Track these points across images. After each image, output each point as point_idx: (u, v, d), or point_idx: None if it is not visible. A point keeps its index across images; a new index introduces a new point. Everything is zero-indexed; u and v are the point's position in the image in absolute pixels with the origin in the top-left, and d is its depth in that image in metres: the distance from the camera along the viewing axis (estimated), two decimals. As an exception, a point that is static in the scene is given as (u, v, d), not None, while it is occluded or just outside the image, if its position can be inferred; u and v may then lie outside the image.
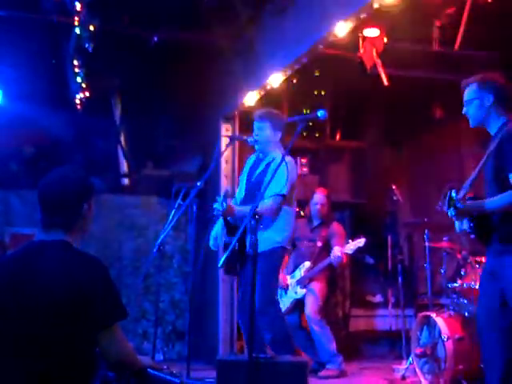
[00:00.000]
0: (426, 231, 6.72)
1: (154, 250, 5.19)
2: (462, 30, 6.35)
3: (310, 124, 8.62)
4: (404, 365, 6.64)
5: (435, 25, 6.66)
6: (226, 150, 6.61)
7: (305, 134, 8.89)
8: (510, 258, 3.96)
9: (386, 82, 7.05)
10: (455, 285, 6.08)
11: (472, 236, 4.16)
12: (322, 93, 9.01)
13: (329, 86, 9.01)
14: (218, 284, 7.73)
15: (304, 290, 6.98)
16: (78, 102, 8.12)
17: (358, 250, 6.80)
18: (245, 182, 5.67)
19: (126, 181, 9.59)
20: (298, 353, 5.75)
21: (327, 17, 5.43)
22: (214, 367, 4.37)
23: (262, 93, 6.99)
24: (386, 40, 6.80)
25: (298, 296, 7.00)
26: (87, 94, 8.01)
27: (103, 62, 7.71)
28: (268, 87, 6.81)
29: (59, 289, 2.75)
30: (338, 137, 9.66)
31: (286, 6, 6.22)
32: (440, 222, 5.55)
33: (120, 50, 7.62)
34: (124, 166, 9.49)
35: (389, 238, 8.13)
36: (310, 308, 6.91)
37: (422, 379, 6.05)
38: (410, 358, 6.42)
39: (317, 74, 8.86)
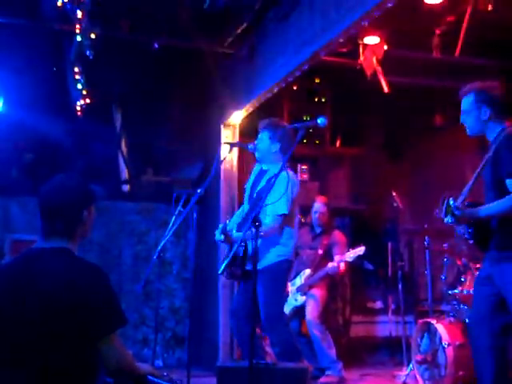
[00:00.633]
0: (426, 238, 6.72)
1: (155, 257, 5.19)
2: (462, 37, 6.37)
3: (310, 131, 8.62)
4: (405, 371, 6.63)
5: (435, 32, 6.67)
6: (226, 156, 6.62)
7: (305, 140, 8.89)
8: (507, 264, 3.98)
9: (386, 89, 7.07)
10: (455, 291, 6.08)
11: (470, 242, 4.17)
12: (323, 100, 9.02)
13: (329, 93, 9.02)
14: (218, 290, 7.73)
15: (304, 297, 6.99)
16: (78, 108, 8.12)
17: (358, 256, 6.82)
18: (249, 193, 5.66)
19: (126, 187, 9.58)
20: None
21: (328, 24, 5.45)
22: (214, 373, 4.37)
23: (263, 99, 7.00)
24: (386, 47, 6.82)
25: (298, 303, 7.00)
26: (88, 100, 8.02)
27: (104, 69, 7.71)
28: (268, 94, 6.82)
29: (59, 296, 2.75)
30: (338, 144, 9.66)
31: (287, 14, 6.24)
32: (440, 228, 5.55)
33: (121, 57, 7.63)
34: (124, 173, 9.49)
35: (389, 245, 8.13)
36: (311, 313, 6.91)
37: (423, 386, 6.05)
38: (411, 365, 6.41)
39: (317, 81, 8.89)
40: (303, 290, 7.00)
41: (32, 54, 7.41)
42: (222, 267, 4.76)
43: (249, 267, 5.10)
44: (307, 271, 7.03)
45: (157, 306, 7.79)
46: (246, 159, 7.87)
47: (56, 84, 8.20)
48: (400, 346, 7.21)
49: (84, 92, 7.90)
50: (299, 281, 7.06)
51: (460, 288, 6.03)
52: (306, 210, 7.60)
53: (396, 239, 8.65)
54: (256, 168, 5.73)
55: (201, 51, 7.58)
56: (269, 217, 5.18)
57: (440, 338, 5.87)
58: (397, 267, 7.40)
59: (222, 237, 5.29)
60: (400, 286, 7.20)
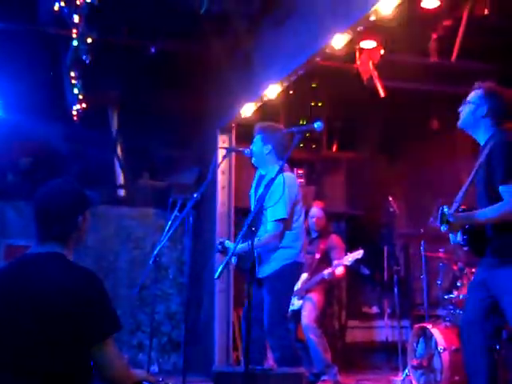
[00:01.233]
0: (422, 242, 6.73)
1: (150, 262, 5.18)
2: (458, 42, 6.38)
3: (307, 135, 8.62)
4: (400, 376, 6.63)
5: (432, 37, 6.68)
6: (222, 161, 6.62)
7: (301, 145, 8.90)
8: (502, 270, 3.97)
9: (382, 94, 7.08)
10: (451, 296, 6.09)
11: (465, 248, 4.17)
12: (319, 104, 9.02)
13: (325, 98, 9.03)
14: (214, 295, 7.72)
15: (301, 302, 6.99)
16: (74, 113, 8.12)
17: (356, 260, 6.82)
18: (253, 200, 5.64)
19: (122, 192, 9.58)
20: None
21: (324, 29, 5.45)
22: (210, 379, 4.36)
23: (259, 104, 7.01)
24: (382, 52, 6.82)
25: (295, 307, 7.00)
26: (84, 105, 8.02)
27: (100, 74, 7.72)
28: (265, 99, 6.82)
29: (53, 301, 2.74)
30: (334, 148, 9.67)
31: (283, 19, 6.24)
32: (436, 233, 5.55)
33: (117, 61, 7.64)
34: (120, 178, 9.49)
35: (385, 249, 8.14)
36: (308, 317, 6.91)
37: (419, 391, 6.05)
38: (407, 370, 6.41)
39: (314, 85, 8.89)
40: (300, 294, 7.00)
41: (29, 58, 7.42)
42: (218, 272, 4.75)
43: (257, 275, 5.08)
44: (304, 275, 7.02)
45: (152, 310, 7.77)
46: (243, 164, 7.87)
47: (52, 88, 8.21)
48: (396, 351, 7.20)
49: (80, 96, 7.91)
50: (296, 285, 7.06)
51: (456, 293, 6.03)
52: (302, 215, 7.60)
53: (392, 244, 8.66)
54: (257, 173, 5.73)
55: (197, 55, 7.59)
56: (270, 223, 5.17)
57: (436, 343, 5.87)
58: (393, 272, 7.41)
59: (219, 247, 5.31)
60: (396, 290, 7.20)
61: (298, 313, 7.01)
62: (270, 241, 5.15)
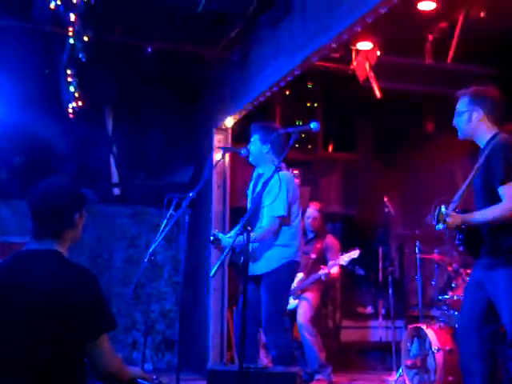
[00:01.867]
0: (417, 243, 6.74)
1: (145, 260, 5.18)
2: (454, 43, 6.40)
3: (303, 136, 8.64)
4: (394, 376, 6.66)
5: (428, 39, 6.70)
6: (218, 161, 6.62)
7: (297, 145, 8.91)
8: (498, 270, 3.99)
9: (378, 95, 7.09)
10: (446, 297, 6.10)
11: (461, 248, 4.19)
12: (315, 105, 9.04)
13: (321, 98, 9.04)
14: (209, 293, 7.73)
15: (296, 301, 7.00)
16: (70, 111, 8.10)
17: (351, 261, 6.84)
18: (250, 199, 5.65)
19: (117, 190, 9.57)
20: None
21: (321, 30, 5.47)
22: (204, 377, 4.37)
23: (255, 104, 7.01)
24: (378, 53, 6.84)
25: (291, 306, 7.00)
26: (80, 103, 8.00)
27: (96, 72, 7.71)
28: (261, 99, 6.83)
29: (47, 299, 2.74)
30: (330, 148, 9.68)
31: (279, 19, 6.25)
32: (431, 234, 5.57)
33: (113, 60, 7.63)
34: (116, 176, 9.48)
35: (380, 250, 8.16)
36: (303, 316, 6.92)
37: (412, 391, 6.06)
38: (401, 370, 6.43)
39: (310, 86, 8.91)
40: (295, 293, 7.01)
41: (24, 56, 7.39)
42: (213, 270, 4.75)
43: (251, 272, 5.09)
44: (300, 275, 7.03)
45: (147, 309, 7.78)
46: (239, 164, 7.89)
47: (48, 86, 8.19)
48: (390, 351, 7.23)
49: (76, 95, 7.89)
50: (292, 284, 7.07)
51: (450, 293, 6.05)
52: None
53: (387, 244, 8.69)
54: (254, 173, 5.74)
55: (194, 55, 7.59)
56: (266, 218, 5.18)
57: (430, 343, 5.89)
58: (387, 272, 7.43)
59: (212, 238, 5.29)
60: (390, 291, 7.22)
61: (293, 312, 7.02)
62: (265, 235, 5.15)
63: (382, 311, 8.54)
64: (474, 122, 4.20)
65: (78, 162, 8.59)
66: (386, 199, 7.40)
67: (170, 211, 5.17)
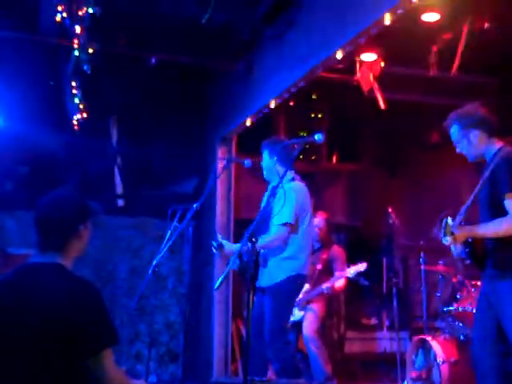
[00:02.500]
0: (421, 254, 6.72)
1: (150, 272, 5.16)
2: (458, 54, 6.40)
3: (307, 147, 8.64)
4: (399, 388, 6.62)
5: (432, 50, 6.70)
6: (222, 172, 6.63)
7: (301, 156, 8.92)
8: (502, 283, 3.99)
9: (382, 106, 7.09)
10: (451, 308, 6.07)
11: (467, 261, 4.17)
12: (319, 116, 9.04)
13: (326, 109, 9.05)
14: (213, 305, 7.72)
15: (302, 313, 6.98)
16: (75, 122, 8.12)
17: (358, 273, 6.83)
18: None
19: (121, 202, 9.57)
20: None
21: (325, 41, 5.48)
22: (209, 389, 4.35)
23: (260, 115, 7.02)
24: (383, 64, 6.84)
25: (296, 318, 6.99)
26: (85, 115, 8.02)
27: (101, 84, 7.73)
28: (265, 110, 6.84)
29: (49, 312, 2.73)
30: (334, 160, 9.68)
31: (284, 31, 6.27)
32: (436, 245, 5.56)
33: (118, 72, 7.65)
34: (120, 187, 9.49)
35: (384, 261, 8.13)
36: (309, 328, 6.90)
37: (418, 403, 6.03)
38: (405, 382, 6.39)
39: (314, 97, 8.92)
40: (301, 305, 6.99)
41: (30, 67, 7.43)
42: (218, 283, 4.74)
43: (257, 284, 5.07)
44: (306, 286, 7.01)
45: (151, 321, 7.76)
46: (242, 175, 7.89)
47: (53, 98, 8.21)
48: (394, 363, 7.18)
49: (81, 106, 7.90)
50: (297, 298, 7.05)
51: (455, 305, 6.02)
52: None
53: (391, 255, 8.65)
54: (269, 187, 5.73)
55: (198, 67, 7.61)
56: (274, 227, 5.17)
57: (435, 355, 5.87)
58: (392, 283, 7.39)
59: (217, 252, 5.28)
60: (395, 302, 7.19)
61: (299, 323, 7.00)
62: (271, 243, 5.14)
63: (387, 322, 8.51)
64: (475, 144, 4.19)
65: (83, 173, 8.60)
66: (390, 210, 7.38)
67: (174, 222, 5.16)
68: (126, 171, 9.40)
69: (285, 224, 5.16)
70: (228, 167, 7.36)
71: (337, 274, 6.99)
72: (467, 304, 5.86)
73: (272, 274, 5.17)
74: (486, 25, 6.11)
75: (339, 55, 5.42)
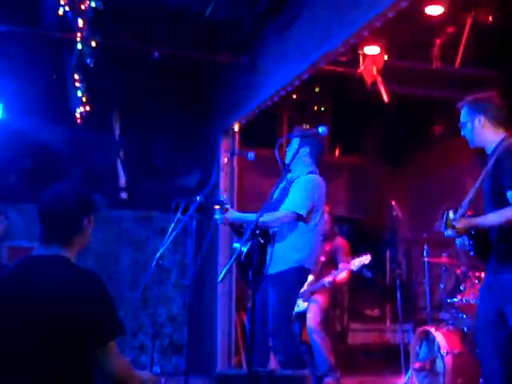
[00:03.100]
0: (425, 246, 6.73)
1: (153, 264, 5.18)
2: (462, 48, 6.39)
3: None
4: (403, 379, 6.64)
5: (436, 43, 6.69)
6: (226, 164, 6.62)
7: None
8: (506, 275, 3.99)
9: (386, 99, 7.09)
10: (454, 300, 6.09)
11: (471, 253, 4.18)
12: (322, 109, 9.04)
13: (329, 102, 9.05)
14: (217, 297, 7.74)
15: (306, 304, 7.00)
16: (78, 115, 8.12)
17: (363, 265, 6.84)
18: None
19: (124, 195, 9.59)
20: None
21: (329, 34, 5.48)
22: (212, 381, 4.36)
23: (263, 108, 7.03)
24: (386, 57, 6.84)
25: (300, 309, 7.00)
26: (87, 108, 8.02)
27: (104, 77, 7.73)
28: (269, 103, 6.84)
29: (55, 305, 2.74)
30: (337, 152, 9.69)
31: (287, 24, 6.26)
32: (439, 237, 5.57)
33: (121, 65, 7.65)
34: (123, 180, 9.50)
35: (387, 253, 8.16)
36: (313, 319, 6.92)
37: (421, 394, 6.06)
38: (409, 373, 6.42)
39: (317, 90, 8.92)
40: (305, 296, 7.01)
41: (33, 61, 7.43)
42: (222, 275, 4.75)
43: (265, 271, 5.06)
44: (310, 277, 7.03)
45: (154, 313, 7.78)
46: (246, 168, 7.90)
47: (56, 91, 8.22)
48: (398, 354, 7.21)
49: (84, 99, 7.91)
50: (300, 290, 7.07)
51: (459, 296, 6.04)
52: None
53: (395, 248, 8.69)
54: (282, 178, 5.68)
55: (201, 60, 7.61)
56: (283, 209, 5.13)
57: (438, 346, 5.88)
58: (395, 275, 7.41)
59: (221, 215, 5.24)
60: (398, 294, 7.21)
61: (302, 315, 7.01)
62: (274, 221, 5.08)
63: (390, 314, 8.53)
64: (477, 130, 4.21)
65: (86, 166, 8.61)
66: (393, 203, 7.39)
67: (178, 215, 5.17)
68: (129, 164, 9.41)
69: (296, 213, 5.13)
70: (231, 160, 7.37)
71: (341, 266, 6.99)
72: (471, 295, 5.87)
73: (277, 262, 5.13)
74: (490, 17, 6.10)
75: (342, 48, 5.42)
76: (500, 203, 3.97)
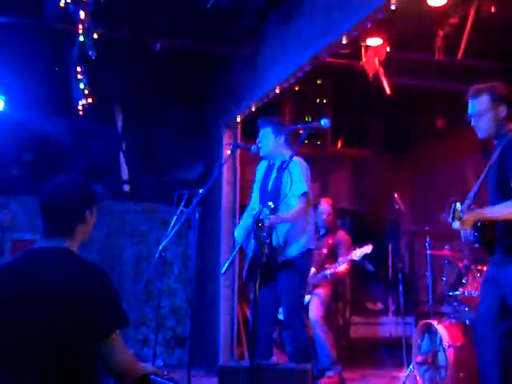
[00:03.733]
0: (427, 239, 6.72)
1: (156, 256, 5.18)
2: (464, 40, 6.37)
3: (312, 132, 8.61)
4: (405, 372, 6.64)
5: (438, 34, 6.67)
6: (228, 157, 6.62)
7: (306, 141, 8.89)
8: (511, 268, 3.99)
9: (388, 91, 7.07)
10: (457, 293, 6.08)
11: (476, 245, 4.17)
12: (324, 101, 9.02)
13: (331, 94, 9.03)
14: (219, 290, 7.74)
15: (308, 296, 6.99)
16: (80, 108, 8.12)
17: (363, 255, 6.85)
18: (259, 190, 5.63)
19: (127, 187, 9.60)
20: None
21: (331, 26, 5.46)
22: (215, 373, 4.36)
23: (265, 100, 7.01)
24: (388, 49, 6.82)
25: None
26: (90, 100, 8.01)
27: (106, 69, 7.72)
28: (271, 95, 6.82)
29: (59, 297, 2.74)
30: (339, 145, 9.67)
31: (289, 16, 6.24)
32: (441, 230, 5.56)
33: (123, 57, 7.64)
34: (125, 172, 9.50)
35: (390, 246, 8.14)
36: (315, 313, 6.92)
37: (423, 387, 6.05)
38: (411, 366, 6.42)
39: (319, 82, 8.90)
40: (307, 289, 7.00)
41: (34, 53, 7.42)
42: (225, 267, 4.75)
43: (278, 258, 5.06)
44: (312, 270, 7.03)
45: (157, 305, 7.79)
46: (248, 160, 7.88)
47: (58, 83, 8.21)
48: (400, 347, 7.21)
49: (86, 92, 7.90)
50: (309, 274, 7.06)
51: (461, 289, 6.03)
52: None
53: (397, 241, 8.68)
54: (261, 166, 5.72)
55: (203, 52, 7.59)
56: (293, 199, 5.16)
57: (441, 340, 5.88)
58: (397, 268, 7.41)
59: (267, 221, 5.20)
60: (400, 287, 7.21)
61: (305, 308, 7.01)
62: (296, 213, 5.15)
63: (392, 307, 8.53)
64: (499, 120, 4.12)
65: (88, 158, 8.61)
66: (395, 195, 7.38)
67: (181, 208, 5.17)
68: (132, 156, 9.41)
69: (304, 194, 5.17)
70: (234, 153, 7.35)
71: (341, 259, 7.00)
72: (473, 288, 5.86)
73: (289, 247, 5.13)
74: (493, 9, 6.06)
75: (344, 40, 5.40)
76: (505, 195, 3.96)
